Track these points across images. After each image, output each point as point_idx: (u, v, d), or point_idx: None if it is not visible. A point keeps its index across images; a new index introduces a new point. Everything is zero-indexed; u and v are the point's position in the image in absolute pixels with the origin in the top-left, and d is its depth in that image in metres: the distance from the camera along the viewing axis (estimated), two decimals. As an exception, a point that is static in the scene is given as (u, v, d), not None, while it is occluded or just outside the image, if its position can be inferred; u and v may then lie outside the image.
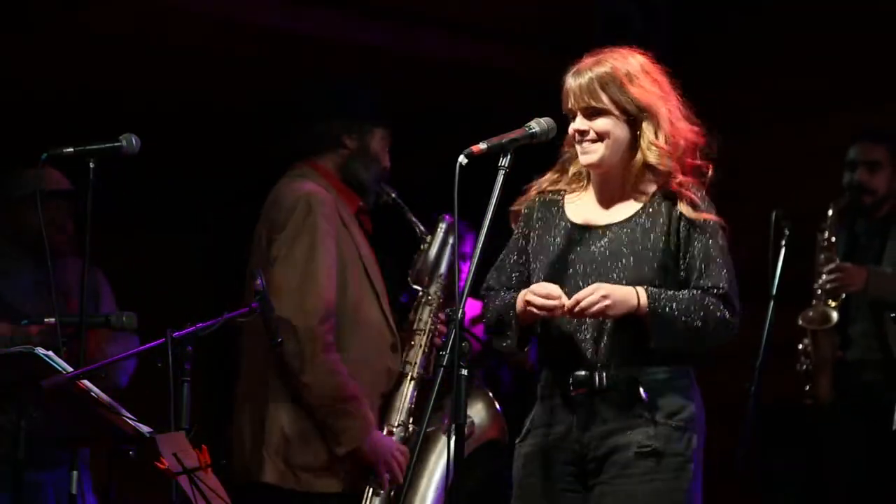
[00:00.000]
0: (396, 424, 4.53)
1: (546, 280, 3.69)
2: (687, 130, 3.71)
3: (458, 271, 3.62)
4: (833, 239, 6.06)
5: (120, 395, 4.52)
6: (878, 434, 5.74)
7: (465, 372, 3.48)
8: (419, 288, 4.72)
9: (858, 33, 6.74)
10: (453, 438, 3.44)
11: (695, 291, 3.61)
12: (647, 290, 3.59)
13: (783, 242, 5.69)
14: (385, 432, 4.51)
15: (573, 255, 3.71)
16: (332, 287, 4.41)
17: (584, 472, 3.66)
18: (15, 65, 6.78)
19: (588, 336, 3.66)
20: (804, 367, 6.02)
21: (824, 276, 5.99)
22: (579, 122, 3.70)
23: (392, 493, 4.46)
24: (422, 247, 4.78)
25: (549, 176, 3.83)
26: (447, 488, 3.71)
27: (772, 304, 5.65)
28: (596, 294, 3.56)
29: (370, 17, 6.75)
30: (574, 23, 6.81)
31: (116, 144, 4.21)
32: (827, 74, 6.80)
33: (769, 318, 5.63)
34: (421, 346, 4.61)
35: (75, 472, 4.07)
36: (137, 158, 4.26)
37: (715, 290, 3.62)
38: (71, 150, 4.17)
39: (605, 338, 3.64)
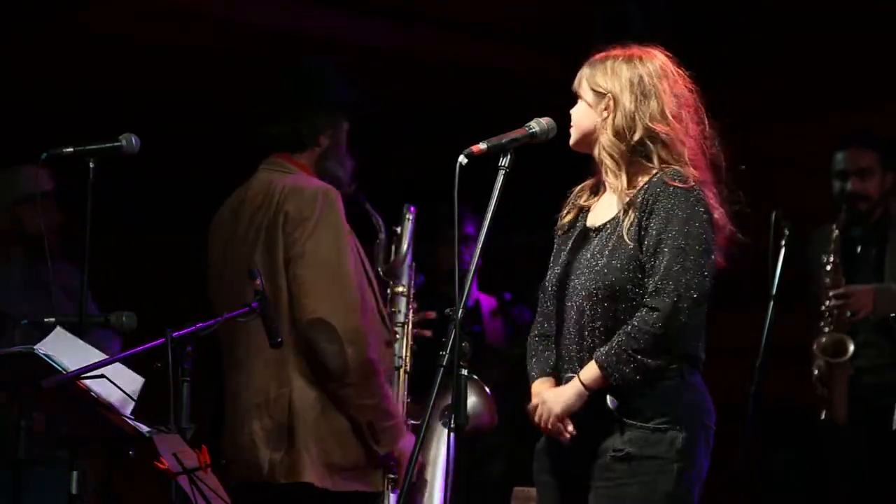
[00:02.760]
0: None
1: (553, 281, 3.76)
2: (673, 126, 3.69)
3: (457, 269, 3.57)
4: (838, 261, 6.04)
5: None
6: (878, 434, 5.75)
7: (465, 372, 3.48)
8: (390, 280, 4.66)
9: (858, 34, 6.74)
10: (453, 437, 3.43)
11: (626, 328, 3.57)
12: (586, 370, 3.60)
13: (783, 242, 5.69)
14: None
15: (573, 257, 3.75)
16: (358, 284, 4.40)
17: (576, 471, 3.67)
18: (15, 65, 6.79)
19: (574, 338, 3.68)
20: (821, 393, 6.01)
21: (832, 301, 5.98)
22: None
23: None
24: (379, 237, 4.73)
25: (581, 185, 3.87)
26: (451, 484, 3.69)
27: (772, 304, 5.65)
28: (539, 407, 3.67)
29: (370, 17, 6.75)
30: (574, 23, 6.81)
31: (116, 144, 4.21)
32: (827, 74, 6.80)
33: (769, 318, 5.63)
34: (405, 338, 4.57)
35: (75, 473, 4.06)
36: (137, 158, 4.25)
37: (643, 316, 3.57)
38: (71, 150, 4.17)
39: (586, 340, 3.66)
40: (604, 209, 3.77)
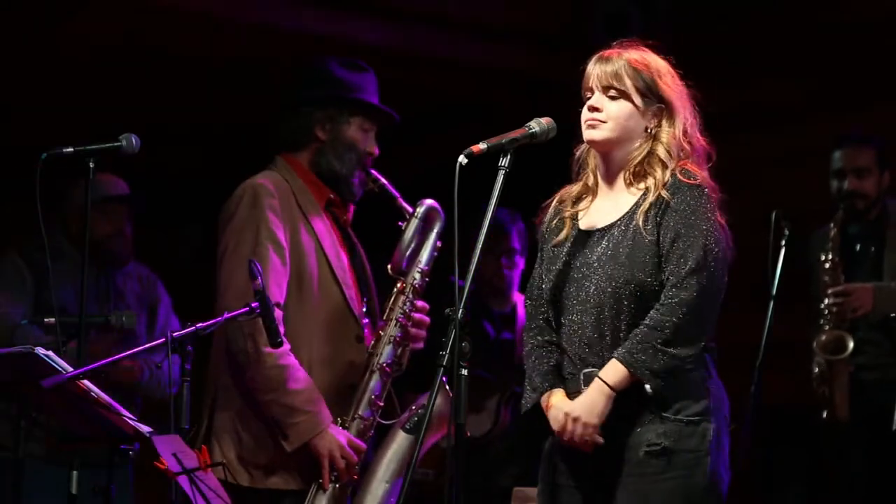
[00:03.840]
0: (351, 417, 4.41)
1: (550, 288, 3.74)
2: (701, 139, 3.75)
3: (456, 268, 3.55)
4: (837, 259, 6.04)
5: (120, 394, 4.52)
6: (879, 433, 5.75)
7: (464, 372, 3.48)
8: (398, 278, 4.59)
9: (858, 34, 6.74)
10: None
11: (648, 321, 3.57)
12: (609, 370, 3.58)
13: (783, 242, 5.69)
14: (339, 425, 4.40)
15: (576, 261, 3.73)
16: (279, 280, 4.36)
17: (598, 469, 3.67)
18: (14, 65, 6.80)
19: (593, 337, 3.67)
20: (822, 391, 6.01)
21: (831, 300, 5.98)
22: (595, 99, 3.72)
23: (349, 490, 4.40)
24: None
25: (567, 186, 3.85)
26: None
27: (772, 304, 5.65)
28: (568, 423, 3.61)
29: (370, 16, 6.75)
30: (574, 22, 6.81)
31: (116, 144, 4.20)
32: (829, 74, 6.81)
33: (769, 318, 5.63)
34: (388, 335, 4.48)
35: (75, 472, 4.07)
36: (139, 159, 4.26)
37: (663, 308, 3.58)
38: (71, 149, 4.17)
39: (606, 338, 3.65)
40: (604, 211, 3.75)
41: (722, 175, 3.77)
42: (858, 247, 6.14)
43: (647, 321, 3.58)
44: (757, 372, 5.61)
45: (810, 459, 6.46)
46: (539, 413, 3.76)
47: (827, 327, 6.02)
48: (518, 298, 6.48)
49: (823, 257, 6.06)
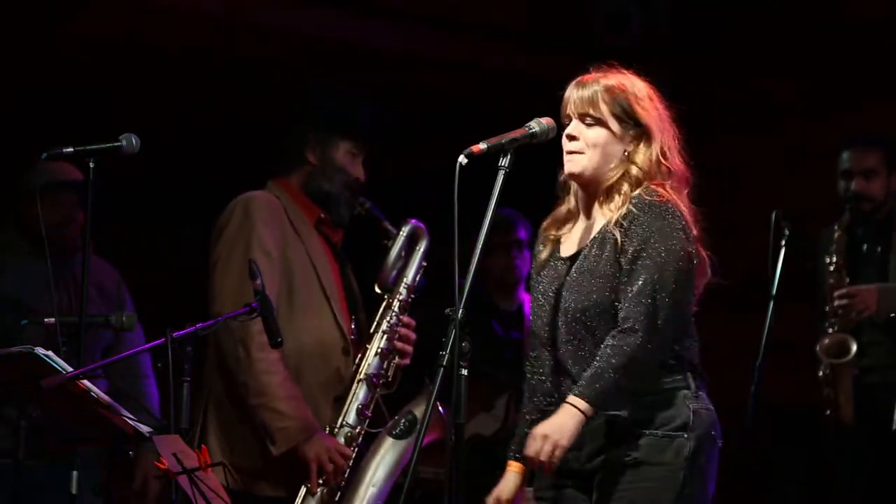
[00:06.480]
0: (339, 425, 4.48)
1: (534, 318, 3.76)
2: (679, 162, 3.73)
3: (457, 271, 3.55)
4: (842, 262, 6.04)
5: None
6: (882, 434, 5.75)
7: (464, 372, 3.48)
8: (384, 294, 4.66)
9: (858, 34, 6.75)
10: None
11: (604, 349, 3.56)
12: (577, 398, 3.55)
13: (783, 242, 5.68)
14: (327, 433, 4.46)
15: (551, 289, 3.74)
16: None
17: (580, 485, 3.69)
18: (14, 66, 6.80)
19: (576, 355, 3.66)
20: (826, 393, 6.01)
21: (836, 302, 5.98)
22: (572, 127, 3.71)
23: (338, 494, 4.43)
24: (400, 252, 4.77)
25: (550, 217, 3.85)
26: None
27: (772, 304, 5.65)
28: (539, 444, 3.56)
29: (370, 16, 6.75)
30: (574, 22, 6.81)
31: (116, 144, 4.20)
32: (829, 75, 6.81)
33: (769, 318, 5.63)
34: (375, 347, 4.56)
35: (75, 472, 4.07)
36: (140, 160, 4.26)
37: (622, 329, 3.56)
38: (71, 149, 4.17)
39: (584, 361, 3.63)
40: (579, 236, 3.76)
41: (722, 175, 3.77)
42: (865, 247, 6.13)
43: (604, 349, 3.55)
44: (757, 372, 5.60)
45: (810, 459, 6.46)
46: None
47: (830, 330, 6.01)
48: (524, 297, 6.50)
49: (828, 259, 6.06)
